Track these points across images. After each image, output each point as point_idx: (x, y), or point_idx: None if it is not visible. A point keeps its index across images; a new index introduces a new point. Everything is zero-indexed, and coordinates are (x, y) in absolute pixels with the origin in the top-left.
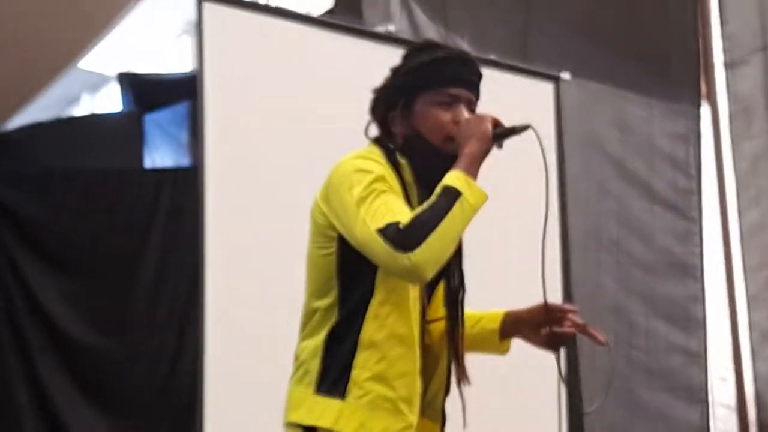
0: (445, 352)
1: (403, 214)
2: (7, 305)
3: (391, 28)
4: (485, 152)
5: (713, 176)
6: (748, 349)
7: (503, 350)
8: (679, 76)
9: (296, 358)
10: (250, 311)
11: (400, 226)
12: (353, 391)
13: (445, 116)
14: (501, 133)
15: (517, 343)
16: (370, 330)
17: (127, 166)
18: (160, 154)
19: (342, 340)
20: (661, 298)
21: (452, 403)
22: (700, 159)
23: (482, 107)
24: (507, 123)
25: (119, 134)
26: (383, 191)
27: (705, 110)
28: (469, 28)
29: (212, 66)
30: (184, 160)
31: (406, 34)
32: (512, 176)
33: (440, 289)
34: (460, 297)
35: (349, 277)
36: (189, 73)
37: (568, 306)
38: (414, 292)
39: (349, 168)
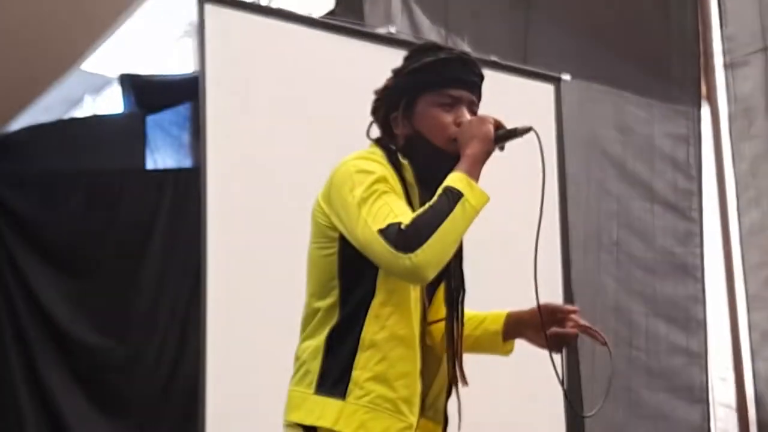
0: (446, 353)
1: (404, 214)
2: (8, 306)
3: (392, 29)
4: (487, 154)
5: (713, 177)
6: (748, 348)
7: (507, 351)
8: (680, 77)
9: (297, 358)
10: (252, 312)
11: (402, 226)
12: (354, 391)
13: (447, 117)
14: (503, 135)
15: (519, 344)
16: (371, 330)
17: (129, 167)
18: (162, 155)
19: (343, 340)
20: (661, 298)
21: (455, 405)
22: (700, 159)
23: (482, 108)
24: (508, 124)
25: (121, 135)
26: (385, 192)
27: (705, 111)
28: (469, 30)
29: (214, 67)
30: (186, 161)
31: (407, 35)
32: (513, 177)
33: (441, 290)
34: (460, 298)
35: (351, 278)
36: (191, 74)
37: (569, 306)
38: (415, 293)
39: (350, 169)
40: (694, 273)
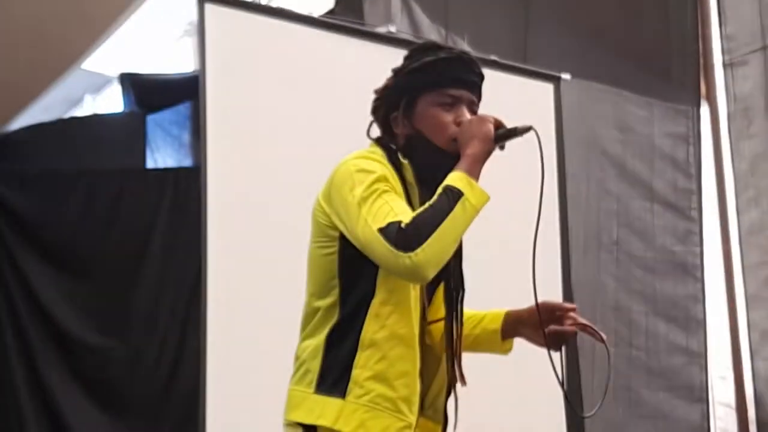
0: (445, 352)
1: (404, 214)
2: (9, 306)
3: (392, 28)
4: (487, 153)
5: (713, 176)
6: (748, 348)
7: (505, 350)
8: (679, 77)
9: (297, 357)
10: (252, 311)
11: (402, 225)
12: (354, 390)
13: (447, 117)
14: (503, 135)
15: (519, 344)
16: (371, 330)
17: (130, 166)
18: (162, 155)
19: (343, 339)
20: (661, 297)
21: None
22: (700, 159)
23: (482, 107)
24: (508, 123)
25: (122, 135)
26: (385, 191)
27: (705, 110)
28: (469, 29)
29: (214, 67)
30: (186, 161)
31: (407, 34)
32: (512, 177)
33: (441, 290)
34: (459, 297)
35: (351, 277)
36: (191, 73)
37: (567, 304)
38: (415, 293)
39: (350, 168)
40: (694, 272)
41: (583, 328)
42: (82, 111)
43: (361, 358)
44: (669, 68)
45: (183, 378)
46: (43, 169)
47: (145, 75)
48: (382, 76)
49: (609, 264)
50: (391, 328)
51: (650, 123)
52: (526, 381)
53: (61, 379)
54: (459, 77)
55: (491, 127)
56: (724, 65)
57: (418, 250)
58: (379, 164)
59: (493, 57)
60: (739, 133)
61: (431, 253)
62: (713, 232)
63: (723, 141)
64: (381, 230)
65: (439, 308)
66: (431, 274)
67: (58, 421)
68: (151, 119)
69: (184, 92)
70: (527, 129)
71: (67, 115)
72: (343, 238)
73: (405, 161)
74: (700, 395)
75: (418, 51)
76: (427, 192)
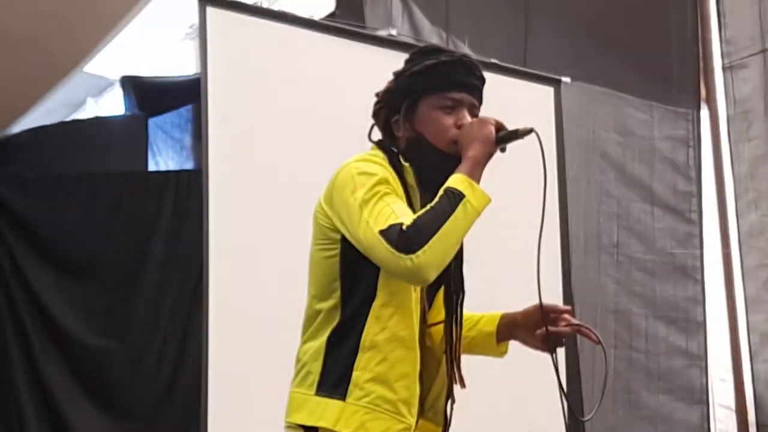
0: (444, 355)
1: (405, 216)
2: (11, 307)
3: (393, 31)
4: (488, 155)
5: (712, 179)
6: (747, 350)
7: (501, 353)
8: (679, 80)
9: (298, 360)
10: (253, 313)
11: (403, 227)
12: (354, 392)
13: (448, 120)
14: (504, 137)
15: (519, 346)
16: (371, 332)
17: (131, 169)
18: (164, 158)
19: (344, 341)
20: (661, 299)
21: (457, 407)
22: (700, 162)
23: (483, 110)
24: (508, 126)
25: (123, 137)
26: (386, 194)
27: (704, 113)
28: (470, 32)
29: (215, 70)
30: (188, 163)
31: (408, 37)
32: (512, 179)
33: (442, 293)
34: (459, 300)
35: (352, 279)
36: (192, 76)
37: (562, 306)
38: (416, 295)
39: (352, 171)
40: (694, 275)
41: (578, 329)
42: (84, 114)
43: (361, 360)
44: (669, 71)
45: (184, 380)
46: (45, 172)
47: (146, 78)
48: (383, 79)
49: (609, 266)
50: (391, 331)
51: (650, 126)
52: (525, 383)
53: (62, 380)
54: (460, 80)
55: (492, 129)
56: (724, 68)
57: (420, 252)
58: (381, 167)
59: (493, 60)
60: (738, 136)
61: (432, 255)
62: (713, 234)
63: (723, 144)
64: (382, 232)
65: (439, 311)
66: (432, 276)
67: (59, 423)
68: (153, 122)
69: (185, 95)
70: (528, 131)
71: (69, 118)
72: (344, 240)
73: (406, 164)
74: (700, 397)
75: (419, 54)
76: (428, 194)
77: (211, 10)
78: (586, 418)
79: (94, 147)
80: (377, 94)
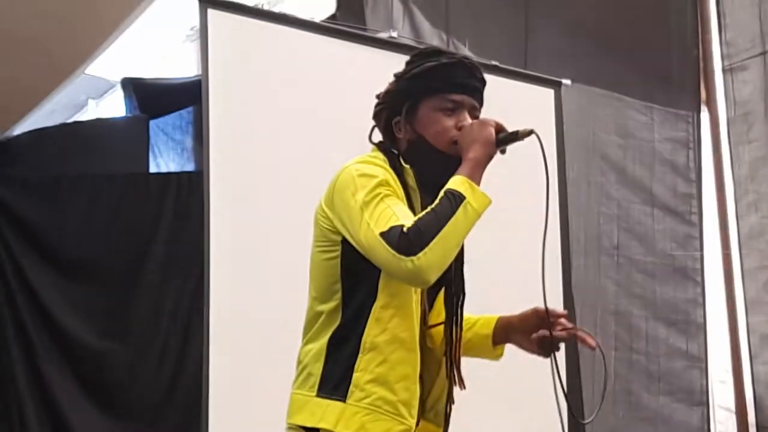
0: (444, 356)
1: (406, 218)
2: (12, 309)
3: (394, 33)
4: (488, 157)
5: (712, 181)
6: (747, 352)
7: (496, 356)
8: (679, 82)
9: (299, 361)
10: (254, 314)
11: (404, 229)
12: (354, 393)
13: (449, 122)
14: (504, 139)
15: (518, 348)
16: (372, 333)
17: (133, 170)
18: (165, 159)
19: (345, 343)
20: (661, 301)
21: (457, 409)
22: (700, 164)
23: (483, 112)
24: (509, 128)
25: (125, 139)
26: (387, 195)
27: (704, 115)
28: (470, 34)
29: (216, 71)
30: (189, 165)
31: (408, 39)
32: (513, 180)
33: (442, 294)
34: (459, 301)
35: (353, 281)
36: (193, 78)
37: (559, 311)
38: (416, 296)
39: (353, 172)
40: (694, 276)
41: (573, 334)
42: (85, 116)
43: (362, 361)
44: (669, 73)
45: (185, 381)
46: (46, 174)
47: (147, 80)
48: (383, 81)
49: (609, 268)
50: (392, 332)
51: (650, 128)
52: (524, 385)
53: (62, 381)
54: (461, 82)
55: (492, 131)
56: (724, 70)
57: (420, 254)
58: (381, 169)
59: (494, 62)
60: (738, 138)
61: (433, 257)
62: (713, 236)
63: (723, 146)
64: (383, 234)
65: (440, 312)
66: (433, 278)
67: (60, 424)
68: (154, 124)
69: (186, 97)
70: (528, 133)
71: (70, 120)
72: (345, 242)
73: (406, 166)
74: (700, 399)
75: (420, 56)
76: (428, 196)
77: (212, 12)
78: (586, 421)
79: (95, 148)
80: (378, 96)
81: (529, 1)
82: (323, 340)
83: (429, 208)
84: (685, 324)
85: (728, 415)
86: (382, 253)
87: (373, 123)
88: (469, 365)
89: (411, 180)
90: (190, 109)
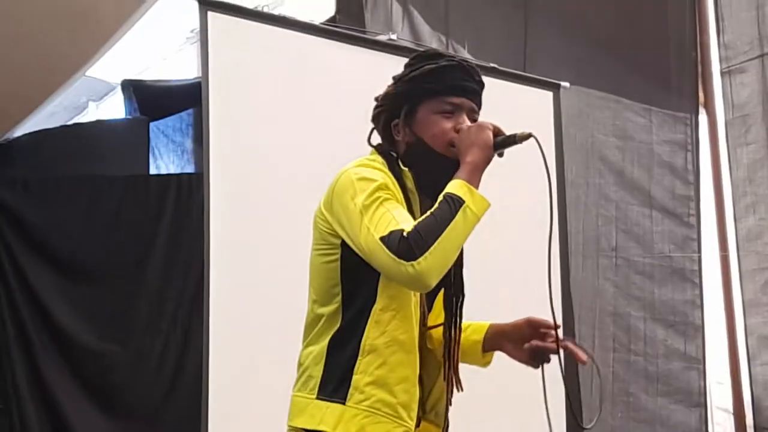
0: (443, 357)
1: (406, 222)
2: (12, 310)
3: (393, 36)
4: (486, 160)
5: (710, 183)
6: (745, 353)
7: (485, 363)
8: (678, 84)
9: (300, 364)
10: (254, 316)
11: (404, 234)
12: (354, 395)
13: (447, 124)
14: (502, 142)
15: None
16: (371, 336)
17: (133, 172)
18: (165, 161)
19: (344, 345)
20: (659, 303)
21: (457, 409)
22: (698, 166)
23: (482, 115)
24: (507, 131)
25: (125, 141)
26: (386, 199)
27: (703, 118)
28: (469, 37)
29: (216, 74)
30: (189, 167)
31: (408, 42)
32: (510, 183)
33: (442, 295)
34: (459, 302)
35: (352, 284)
36: (193, 80)
37: (552, 322)
38: (415, 299)
39: (352, 176)
40: (692, 278)
41: (565, 346)
42: (86, 118)
43: (361, 363)
44: (668, 76)
45: (185, 381)
46: (46, 175)
47: (147, 82)
48: (383, 83)
49: (608, 270)
50: (391, 334)
51: (649, 130)
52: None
53: (63, 383)
54: (459, 85)
55: (490, 134)
56: (722, 73)
57: (421, 259)
58: (380, 172)
59: (492, 64)
60: (736, 140)
61: (434, 262)
62: (711, 238)
63: (721, 148)
64: (383, 239)
65: (439, 313)
66: (434, 282)
67: (60, 424)
68: (154, 126)
69: (186, 99)
70: (527, 137)
71: (70, 122)
72: (344, 245)
73: (405, 168)
74: (698, 400)
75: (418, 59)
76: (427, 199)
77: (212, 15)
78: (588, 426)
79: (96, 150)
80: (377, 99)
81: (528, 3)
82: (323, 343)
83: (429, 213)
84: (684, 325)
85: (726, 417)
86: (383, 258)
87: (371, 125)
88: (468, 366)
89: (410, 183)
90: (190, 111)
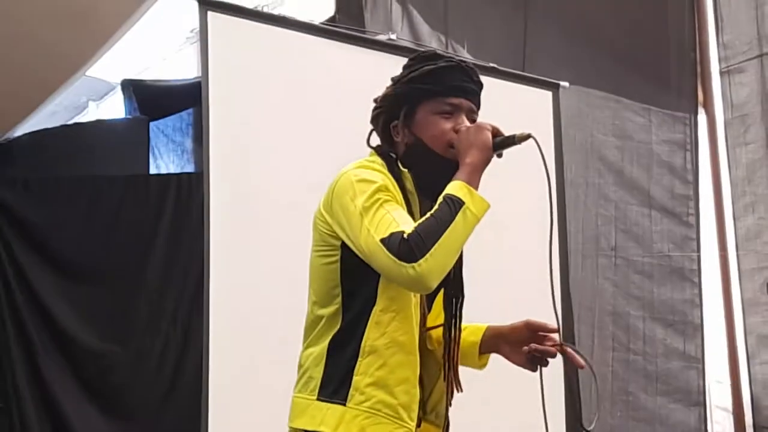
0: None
1: (406, 224)
2: (12, 310)
3: (393, 36)
4: (486, 161)
5: (709, 182)
6: (744, 352)
7: (481, 365)
8: (677, 84)
9: (300, 365)
10: (254, 316)
11: (405, 236)
12: (355, 396)
13: (447, 125)
14: (501, 143)
15: None
16: (372, 337)
17: (133, 172)
18: (165, 161)
19: (345, 346)
20: (658, 302)
21: (457, 410)
22: (697, 165)
23: (481, 114)
24: (506, 131)
25: (125, 141)
26: (386, 201)
27: (702, 117)
28: (469, 36)
29: (216, 74)
30: (189, 167)
31: (407, 41)
32: (510, 183)
33: (442, 296)
34: (458, 303)
35: (352, 285)
36: (193, 80)
37: (551, 325)
38: (415, 300)
39: (351, 178)
40: (691, 277)
41: (563, 350)
42: (86, 117)
43: (362, 365)
44: (667, 76)
45: (185, 383)
46: (46, 175)
47: (147, 82)
48: (382, 83)
49: (607, 269)
50: (391, 335)
51: (648, 130)
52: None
53: (63, 383)
54: (458, 86)
55: (489, 135)
56: (721, 73)
57: (421, 261)
58: (380, 173)
59: (492, 64)
60: (735, 140)
61: (435, 263)
62: (710, 237)
63: (720, 148)
64: (383, 241)
65: (439, 314)
66: (435, 283)
67: (60, 424)
68: (154, 125)
69: (186, 99)
70: (526, 137)
71: (70, 122)
72: (344, 246)
73: (404, 170)
74: (697, 399)
75: (417, 60)
76: (427, 200)
77: (211, 15)
78: (589, 428)
79: (96, 150)
80: (376, 100)
81: (527, 3)
82: (324, 344)
83: (429, 214)
84: (683, 325)
85: (725, 416)
86: (383, 260)
87: (371, 126)
88: (468, 370)
89: (409, 184)
90: (190, 110)
